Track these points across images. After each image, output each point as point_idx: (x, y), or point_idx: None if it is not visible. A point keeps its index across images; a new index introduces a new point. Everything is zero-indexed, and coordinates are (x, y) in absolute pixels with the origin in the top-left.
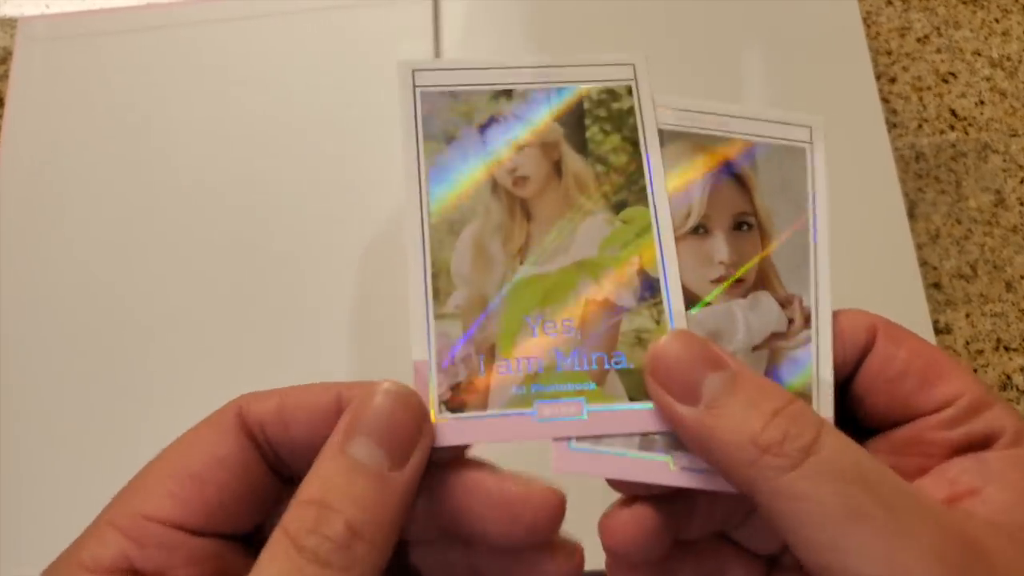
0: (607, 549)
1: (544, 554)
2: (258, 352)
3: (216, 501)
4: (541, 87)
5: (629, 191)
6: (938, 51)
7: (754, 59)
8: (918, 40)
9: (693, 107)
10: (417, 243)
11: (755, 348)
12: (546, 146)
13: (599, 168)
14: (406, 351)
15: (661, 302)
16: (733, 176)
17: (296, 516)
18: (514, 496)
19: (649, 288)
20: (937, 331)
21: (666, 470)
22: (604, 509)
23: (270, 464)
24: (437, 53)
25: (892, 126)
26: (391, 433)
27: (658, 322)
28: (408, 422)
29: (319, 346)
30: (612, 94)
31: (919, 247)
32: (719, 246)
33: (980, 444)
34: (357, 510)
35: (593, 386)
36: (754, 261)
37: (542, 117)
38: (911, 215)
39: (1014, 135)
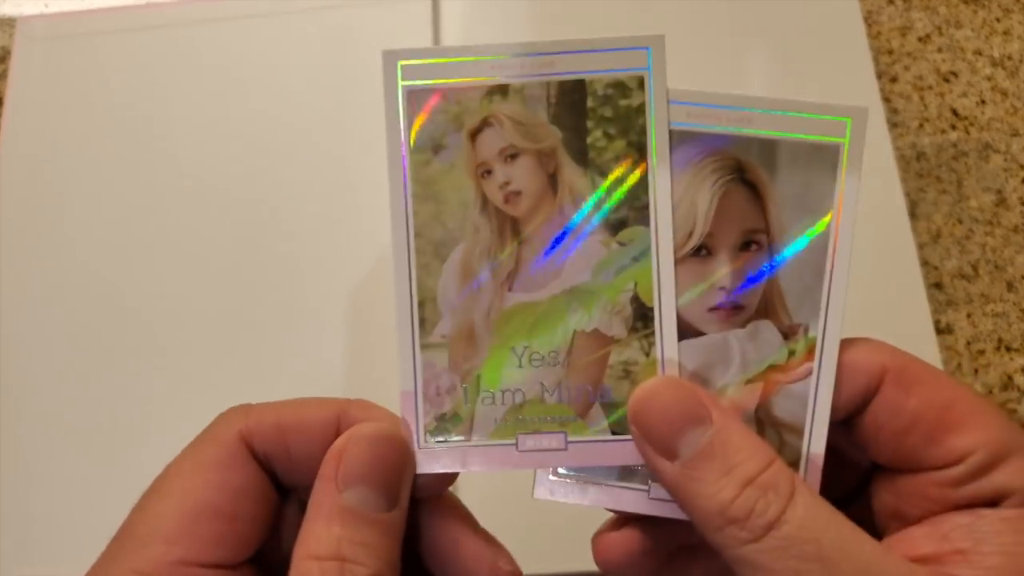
0: (600, 566)
1: None
2: (256, 350)
3: (246, 532)
4: (540, 80)
5: (630, 208)
6: (939, 50)
7: (755, 58)
8: (919, 39)
9: (709, 101)
10: (403, 271)
11: (749, 380)
12: (542, 155)
13: (598, 180)
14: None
15: (653, 333)
16: (746, 184)
17: (320, 573)
18: (483, 560)
19: (642, 318)
20: (938, 331)
21: (644, 500)
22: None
23: (272, 481)
24: None
25: (893, 125)
26: (384, 477)
27: (647, 354)
28: (396, 463)
29: (316, 342)
30: (621, 88)
31: (920, 247)
32: (721, 270)
33: (985, 504)
34: (374, 560)
35: (576, 419)
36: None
37: (539, 117)
38: (912, 215)
39: (1015, 135)
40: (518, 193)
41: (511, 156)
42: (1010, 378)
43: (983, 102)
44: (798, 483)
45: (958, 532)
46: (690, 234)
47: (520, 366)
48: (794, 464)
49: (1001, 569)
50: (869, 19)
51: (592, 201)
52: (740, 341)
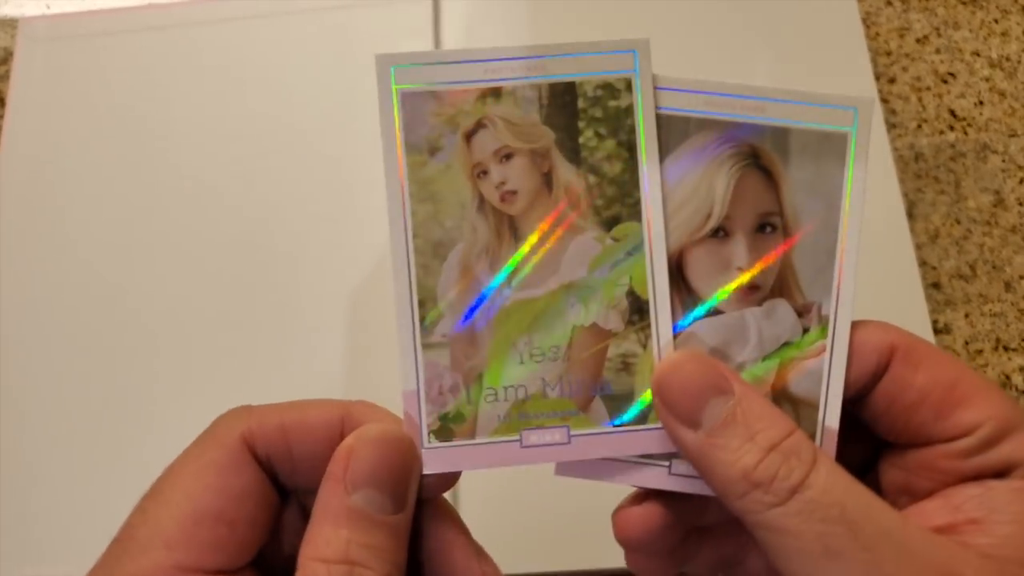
0: (621, 543)
1: None
2: (256, 350)
3: (246, 537)
4: (532, 83)
5: (622, 204)
6: (937, 51)
7: (754, 59)
8: (917, 40)
9: (721, 90)
10: (402, 271)
11: (765, 358)
12: (536, 154)
13: (592, 179)
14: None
15: (649, 326)
16: (760, 169)
17: None
18: (471, 571)
19: (638, 311)
20: (936, 331)
21: (664, 476)
22: (611, 495)
23: (272, 483)
24: None
25: (891, 126)
26: (392, 479)
27: (644, 347)
28: (404, 464)
29: (316, 343)
30: (610, 89)
31: (918, 247)
32: (739, 251)
33: (995, 474)
34: (383, 563)
35: (578, 412)
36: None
37: (532, 118)
38: (910, 215)
39: (1013, 135)
40: (514, 192)
41: (506, 156)
42: (1008, 378)
43: (981, 103)
44: (819, 451)
45: (971, 503)
46: (708, 216)
47: (521, 362)
48: (810, 438)
49: (1016, 536)
50: (867, 20)
51: (586, 198)
52: (757, 319)
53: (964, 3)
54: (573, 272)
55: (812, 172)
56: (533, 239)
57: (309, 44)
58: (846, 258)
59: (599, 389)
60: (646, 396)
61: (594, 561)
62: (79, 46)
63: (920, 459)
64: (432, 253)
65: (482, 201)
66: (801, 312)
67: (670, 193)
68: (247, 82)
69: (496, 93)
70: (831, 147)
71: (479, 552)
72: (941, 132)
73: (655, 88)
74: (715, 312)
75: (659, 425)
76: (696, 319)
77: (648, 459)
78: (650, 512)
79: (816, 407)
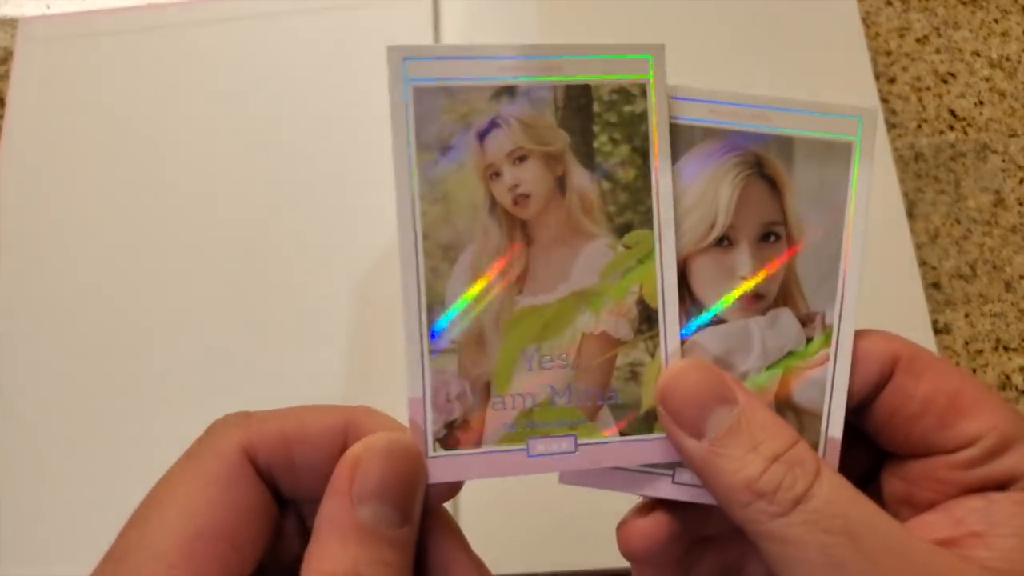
0: (625, 555)
1: None
2: (256, 350)
3: (246, 551)
4: (547, 84)
5: (635, 212)
6: (937, 51)
7: (753, 59)
8: (917, 40)
9: (730, 99)
10: (411, 274)
11: (769, 367)
12: (550, 157)
13: (605, 185)
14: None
15: (658, 335)
16: (765, 177)
17: None
18: None
19: (647, 320)
20: (936, 331)
21: (668, 485)
22: (611, 496)
23: (272, 494)
24: None
25: (891, 126)
26: (400, 493)
27: (653, 356)
28: (411, 477)
29: (319, 345)
30: (625, 95)
31: (918, 247)
32: (743, 260)
33: (996, 486)
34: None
35: (585, 421)
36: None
37: (547, 120)
38: (910, 215)
39: (1013, 135)
40: (527, 196)
41: (520, 158)
42: (1008, 378)
43: (981, 103)
44: (822, 462)
45: (973, 516)
46: (712, 225)
47: (531, 369)
48: (815, 447)
49: (1017, 550)
50: (867, 20)
51: (599, 204)
52: (760, 328)
53: (964, 3)
54: (584, 279)
55: (816, 181)
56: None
57: (309, 44)
58: (850, 267)
59: (607, 398)
60: (653, 405)
61: (594, 561)
62: (79, 46)
63: (922, 470)
64: (442, 255)
65: (494, 203)
66: (805, 321)
67: (676, 201)
68: (247, 82)
69: (511, 91)
70: (835, 156)
71: (476, 562)
72: (941, 132)
73: (664, 56)
74: (719, 321)
75: (665, 435)
76: (700, 328)
77: (652, 468)
78: (655, 524)
79: (819, 416)
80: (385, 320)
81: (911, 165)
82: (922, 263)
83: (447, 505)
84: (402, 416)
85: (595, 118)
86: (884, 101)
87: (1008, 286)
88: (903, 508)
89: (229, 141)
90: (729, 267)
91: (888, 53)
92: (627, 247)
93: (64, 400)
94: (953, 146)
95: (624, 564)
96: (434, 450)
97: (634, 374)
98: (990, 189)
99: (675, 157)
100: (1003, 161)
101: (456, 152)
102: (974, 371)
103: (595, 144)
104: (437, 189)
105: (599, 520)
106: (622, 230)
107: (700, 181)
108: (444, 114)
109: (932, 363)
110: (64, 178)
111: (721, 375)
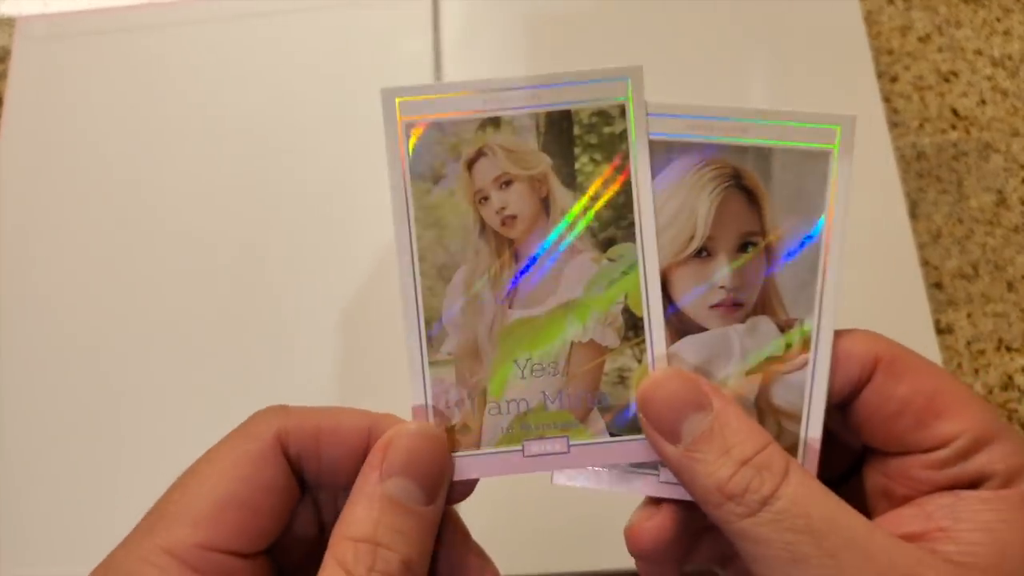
0: (633, 554)
1: None
2: (255, 349)
3: (267, 526)
4: (530, 112)
5: (617, 227)
6: (939, 50)
7: (755, 59)
8: (919, 39)
9: (707, 113)
10: (410, 293)
11: (749, 372)
12: (534, 180)
13: (587, 203)
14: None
15: (643, 341)
16: (743, 189)
17: (355, 554)
18: (473, 571)
19: (633, 327)
20: (939, 331)
21: (654, 483)
22: (609, 497)
23: (297, 480)
24: (437, 53)
25: (893, 125)
26: (425, 471)
27: (639, 361)
28: (436, 459)
29: (314, 348)
30: (604, 116)
31: (920, 247)
32: (721, 270)
33: (967, 486)
34: (407, 546)
35: (577, 423)
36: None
37: (530, 146)
38: (912, 215)
39: (1016, 134)
40: (514, 217)
41: (506, 183)
42: (1010, 378)
43: (983, 102)
44: (792, 464)
45: (941, 512)
46: (691, 237)
47: (523, 377)
48: (792, 448)
49: (980, 544)
50: (869, 19)
51: (582, 221)
52: (740, 335)
53: (966, 2)
54: (571, 291)
55: (794, 191)
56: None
57: (309, 44)
58: (829, 274)
59: (597, 401)
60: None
61: (594, 562)
62: (77, 45)
63: (898, 467)
64: (437, 275)
65: (483, 225)
66: (783, 328)
67: (655, 214)
68: (246, 81)
69: (495, 122)
70: (813, 165)
71: (480, 554)
72: (943, 131)
73: (642, 77)
74: (699, 329)
75: None
76: (681, 335)
77: (639, 468)
78: (661, 525)
79: (798, 419)
80: (381, 327)
81: (913, 164)
82: (924, 263)
83: None
84: None
85: (576, 140)
86: (886, 100)
87: (1010, 286)
88: (881, 501)
89: (228, 140)
90: (708, 277)
91: (890, 52)
92: (611, 260)
93: (64, 400)
94: (955, 145)
95: (624, 565)
96: None
97: (622, 379)
98: (992, 189)
99: (654, 171)
100: (1005, 160)
101: (447, 181)
102: (976, 371)
103: (576, 165)
104: (431, 215)
105: (598, 523)
106: (606, 244)
107: (679, 195)
108: (435, 146)
109: (913, 364)
110: (62, 176)
111: (697, 382)
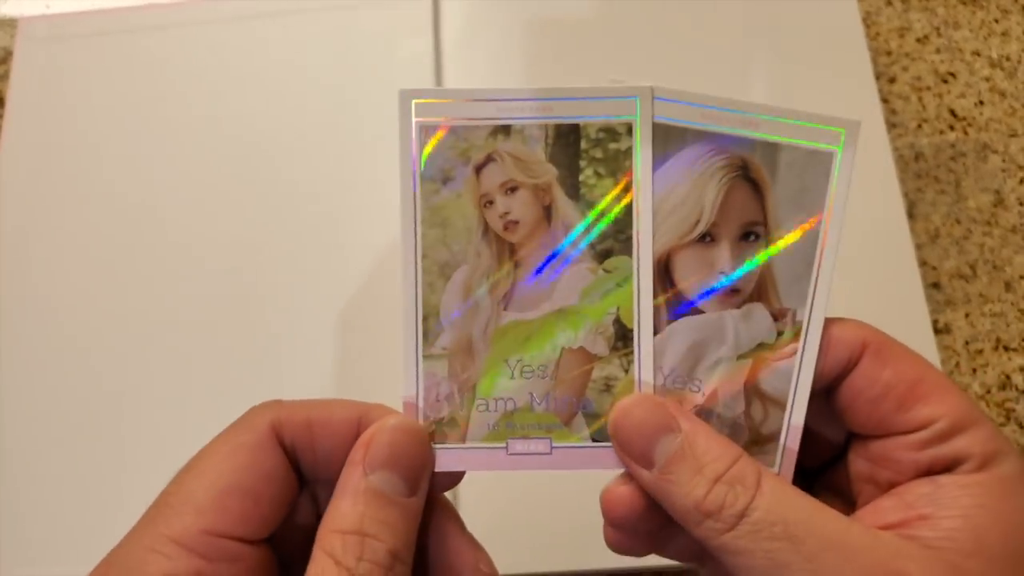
0: (606, 519)
1: None
2: (255, 349)
3: (268, 513)
4: (540, 123)
5: (615, 240)
6: (937, 51)
7: (754, 59)
8: (918, 40)
9: (721, 105)
10: (410, 288)
11: (740, 356)
12: (538, 189)
13: (588, 214)
14: (399, 352)
15: (632, 352)
16: (749, 180)
17: (343, 545)
18: (467, 561)
19: (622, 338)
20: (936, 331)
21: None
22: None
23: (295, 470)
24: (437, 53)
25: (891, 126)
26: (407, 463)
27: (626, 371)
28: (420, 453)
29: (313, 347)
30: (611, 133)
31: (918, 247)
32: (723, 256)
33: (945, 467)
34: (393, 537)
35: (561, 426)
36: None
37: (537, 155)
38: (910, 215)
39: (1013, 135)
40: (516, 222)
41: (511, 189)
42: (1008, 378)
43: (981, 103)
44: (764, 473)
45: (921, 501)
46: (697, 222)
47: (512, 377)
48: (777, 432)
49: (960, 529)
50: (868, 20)
51: (582, 231)
52: (735, 320)
53: (964, 3)
54: (565, 299)
55: (797, 187)
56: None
57: (309, 44)
58: (823, 270)
59: (582, 406)
60: None
61: (594, 562)
62: (79, 46)
63: (881, 450)
64: (438, 273)
65: (486, 228)
66: (776, 316)
67: (664, 197)
68: (247, 82)
69: (506, 130)
70: (817, 164)
71: (474, 543)
72: (941, 132)
73: (654, 99)
74: (697, 311)
75: None
76: (678, 316)
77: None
78: (634, 494)
79: (784, 405)
80: (377, 327)
81: (911, 165)
82: (922, 263)
83: None
84: None
85: (582, 154)
86: (884, 101)
87: (1008, 286)
88: (866, 487)
89: (228, 141)
90: (710, 262)
91: (888, 53)
92: (607, 271)
93: (64, 400)
94: (953, 146)
95: (624, 564)
96: None
97: (608, 387)
98: (990, 189)
99: (666, 156)
100: (1003, 161)
101: (455, 183)
102: (974, 371)
103: (581, 177)
104: (437, 214)
105: (598, 523)
106: (603, 256)
107: (688, 179)
108: (448, 150)
109: (898, 351)
110: (63, 177)
111: (665, 406)
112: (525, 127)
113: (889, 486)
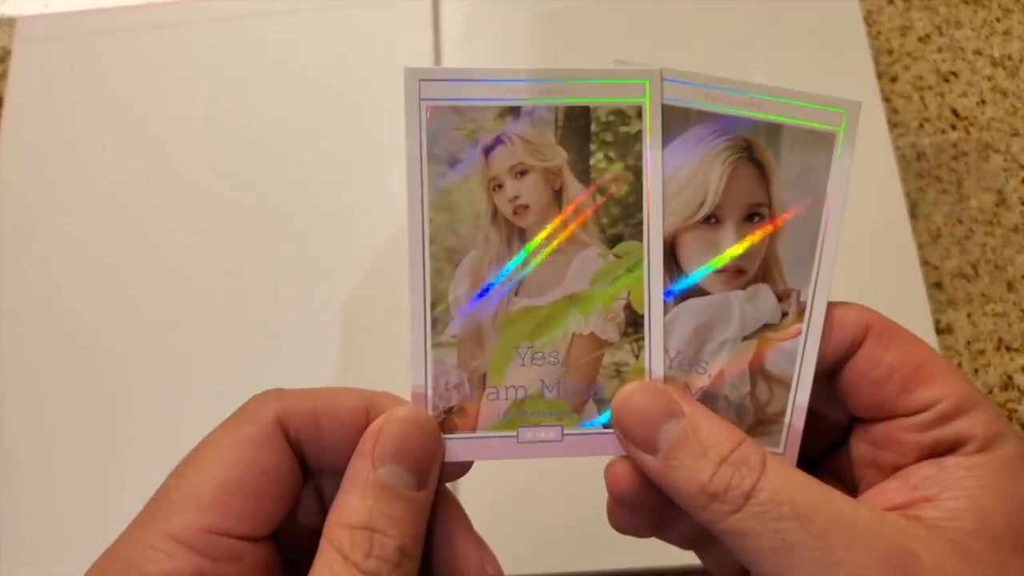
0: (610, 493)
1: None
2: (255, 347)
3: (271, 510)
4: (549, 105)
5: (626, 224)
6: (939, 50)
7: (755, 58)
8: (919, 39)
9: (725, 86)
10: (418, 275)
11: (746, 338)
12: (548, 172)
13: (599, 198)
14: (405, 344)
15: (642, 338)
16: (753, 161)
17: (351, 541)
18: (472, 560)
19: (633, 324)
20: (938, 331)
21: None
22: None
23: (299, 462)
24: (437, 53)
25: (893, 125)
26: (416, 456)
27: (637, 357)
28: (430, 446)
29: (316, 340)
30: (621, 116)
31: (920, 247)
32: (728, 237)
33: (948, 449)
34: (402, 532)
35: (572, 413)
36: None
37: (547, 138)
38: (912, 215)
39: (1015, 134)
40: (526, 207)
41: (521, 172)
42: (1010, 378)
43: (983, 102)
44: (768, 455)
45: (926, 483)
46: (702, 204)
47: (523, 364)
48: (782, 412)
49: (965, 509)
50: (869, 19)
51: (592, 216)
52: (740, 301)
53: (966, 2)
54: (576, 284)
55: (800, 167)
56: (537, 243)
57: (309, 44)
58: (826, 249)
59: (592, 393)
60: None
61: (594, 562)
62: (77, 45)
63: (884, 432)
64: (446, 259)
65: (495, 212)
66: (781, 297)
67: (669, 179)
68: (246, 81)
69: (515, 112)
70: (820, 145)
71: (480, 543)
72: (943, 131)
73: (662, 80)
74: (702, 292)
75: None
76: (684, 297)
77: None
78: (636, 469)
79: (789, 384)
80: (384, 316)
81: (913, 164)
82: (924, 263)
83: None
84: None
85: (592, 137)
86: (886, 100)
87: (1010, 286)
88: (869, 471)
89: (228, 140)
90: (715, 243)
91: (890, 52)
92: (617, 256)
93: (64, 399)
94: (955, 145)
95: (624, 565)
96: None
97: (618, 372)
98: (992, 189)
99: (671, 137)
100: (1005, 160)
101: (463, 166)
102: (976, 371)
103: (591, 161)
104: (444, 199)
105: (598, 522)
106: (613, 241)
107: (693, 161)
108: (454, 131)
109: (901, 335)
110: (62, 177)
111: (666, 392)
112: (535, 109)
113: (892, 469)
